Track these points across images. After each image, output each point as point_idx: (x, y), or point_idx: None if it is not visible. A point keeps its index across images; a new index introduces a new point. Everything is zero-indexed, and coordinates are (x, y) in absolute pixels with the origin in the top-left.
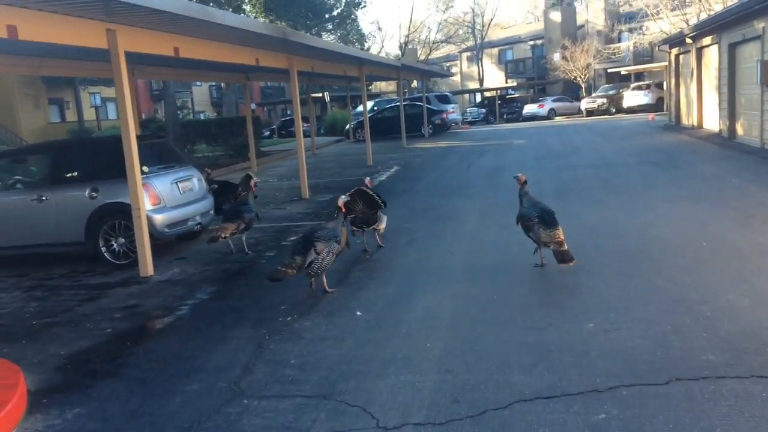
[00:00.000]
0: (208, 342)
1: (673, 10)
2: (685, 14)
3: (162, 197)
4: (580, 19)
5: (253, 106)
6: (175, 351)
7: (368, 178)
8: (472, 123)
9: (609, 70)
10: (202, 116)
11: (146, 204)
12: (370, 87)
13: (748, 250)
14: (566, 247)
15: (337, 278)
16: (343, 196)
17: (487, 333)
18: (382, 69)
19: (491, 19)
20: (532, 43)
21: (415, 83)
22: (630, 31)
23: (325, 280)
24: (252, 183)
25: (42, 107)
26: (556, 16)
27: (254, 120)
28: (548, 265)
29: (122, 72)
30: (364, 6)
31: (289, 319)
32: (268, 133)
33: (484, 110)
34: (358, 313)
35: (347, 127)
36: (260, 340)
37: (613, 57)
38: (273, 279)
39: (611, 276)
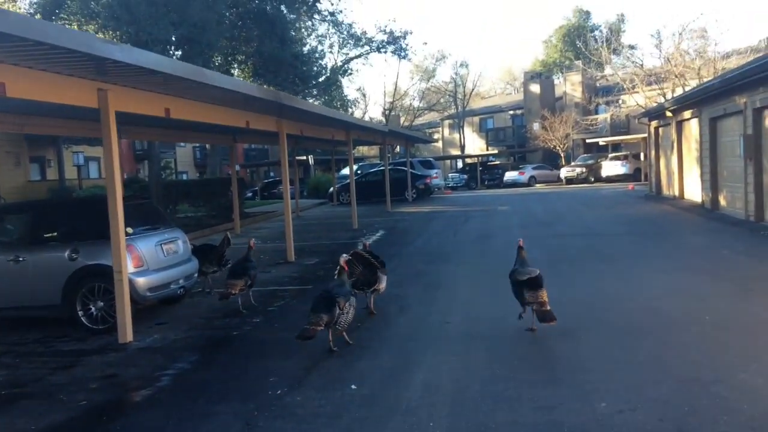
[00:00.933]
0: (192, 418)
1: (648, 84)
2: (662, 89)
3: (145, 259)
4: (558, 91)
5: (237, 167)
6: (155, 428)
7: (367, 241)
8: (453, 188)
9: (587, 141)
10: (184, 176)
11: (129, 266)
12: (353, 151)
13: (753, 326)
14: (548, 308)
15: (328, 347)
16: (344, 255)
17: (493, 411)
18: (369, 134)
19: (473, 89)
20: (512, 112)
21: (398, 149)
22: (607, 104)
23: (331, 337)
24: (251, 242)
25: (23, 165)
26: (535, 87)
27: (239, 181)
28: (547, 335)
29: (111, 132)
30: (350, 74)
31: (279, 392)
32: (250, 194)
33: (465, 176)
34: (353, 386)
35: (331, 189)
36: (248, 417)
37: (590, 128)
38: (305, 337)
39: (617, 351)
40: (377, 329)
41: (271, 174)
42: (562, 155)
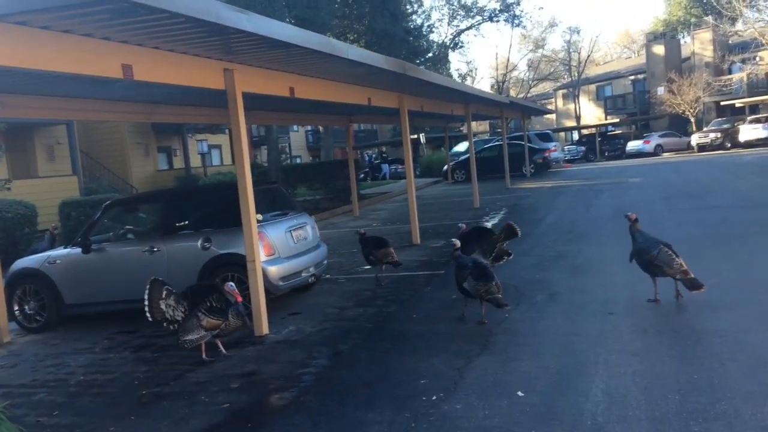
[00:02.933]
0: (343, 427)
1: None
2: None
3: (276, 247)
4: (685, 52)
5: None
6: None
7: (462, 224)
8: (570, 161)
9: (721, 103)
10: (298, 160)
11: (260, 255)
12: (461, 128)
13: None
14: (692, 275)
15: (478, 342)
16: (454, 239)
17: None
18: (488, 107)
19: (588, 55)
20: (633, 77)
21: (510, 122)
22: (743, 61)
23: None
24: (362, 231)
25: (152, 155)
26: (658, 49)
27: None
28: (743, 328)
29: (239, 114)
30: (461, 47)
31: (434, 398)
32: (362, 176)
33: (583, 148)
34: (520, 393)
35: (445, 168)
36: (406, 428)
37: (724, 89)
38: (506, 305)
39: None
40: (529, 321)
41: (384, 155)
42: (692, 120)
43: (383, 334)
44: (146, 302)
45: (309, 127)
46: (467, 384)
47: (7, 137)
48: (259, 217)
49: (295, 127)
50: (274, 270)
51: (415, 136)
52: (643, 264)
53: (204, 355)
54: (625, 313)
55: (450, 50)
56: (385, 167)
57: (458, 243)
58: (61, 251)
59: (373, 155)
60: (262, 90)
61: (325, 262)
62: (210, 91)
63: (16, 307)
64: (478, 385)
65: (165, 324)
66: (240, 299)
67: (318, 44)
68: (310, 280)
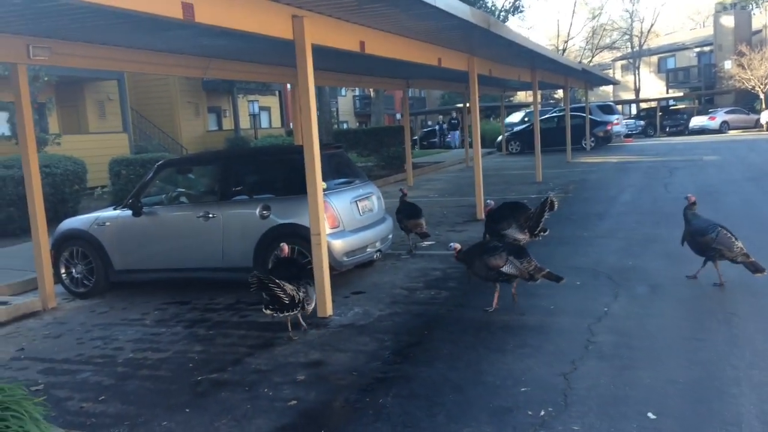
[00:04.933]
0: None
1: None
2: None
3: (341, 219)
4: (756, 24)
5: (398, 116)
6: None
7: (490, 201)
8: (628, 136)
9: None
10: (345, 126)
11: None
12: (511, 98)
13: None
14: (753, 258)
15: (579, 341)
16: (453, 244)
17: None
18: (552, 75)
19: (651, 25)
20: (698, 50)
21: (559, 93)
22: None
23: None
24: (404, 190)
25: (202, 115)
26: (727, 20)
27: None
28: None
29: (308, 68)
30: (522, 11)
31: (542, 413)
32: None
33: (642, 122)
34: (651, 415)
35: (499, 138)
36: None
37: None
38: (563, 278)
39: None
40: (635, 318)
41: (429, 123)
42: (761, 97)
43: (463, 324)
44: (281, 294)
45: (356, 92)
46: (580, 397)
47: (57, 91)
48: (324, 185)
49: (343, 92)
50: (338, 244)
51: (464, 105)
52: (698, 246)
53: (291, 333)
54: (752, 316)
55: (510, 14)
56: (454, 135)
57: (458, 246)
58: (110, 213)
59: (444, 122)
60: (332, 43)
61: (391, 236)
62: (269, 45)
63: (62, 270)
64: (594, 399)
65: (285, 312)
66: None
67: None
68: (375, 257)
